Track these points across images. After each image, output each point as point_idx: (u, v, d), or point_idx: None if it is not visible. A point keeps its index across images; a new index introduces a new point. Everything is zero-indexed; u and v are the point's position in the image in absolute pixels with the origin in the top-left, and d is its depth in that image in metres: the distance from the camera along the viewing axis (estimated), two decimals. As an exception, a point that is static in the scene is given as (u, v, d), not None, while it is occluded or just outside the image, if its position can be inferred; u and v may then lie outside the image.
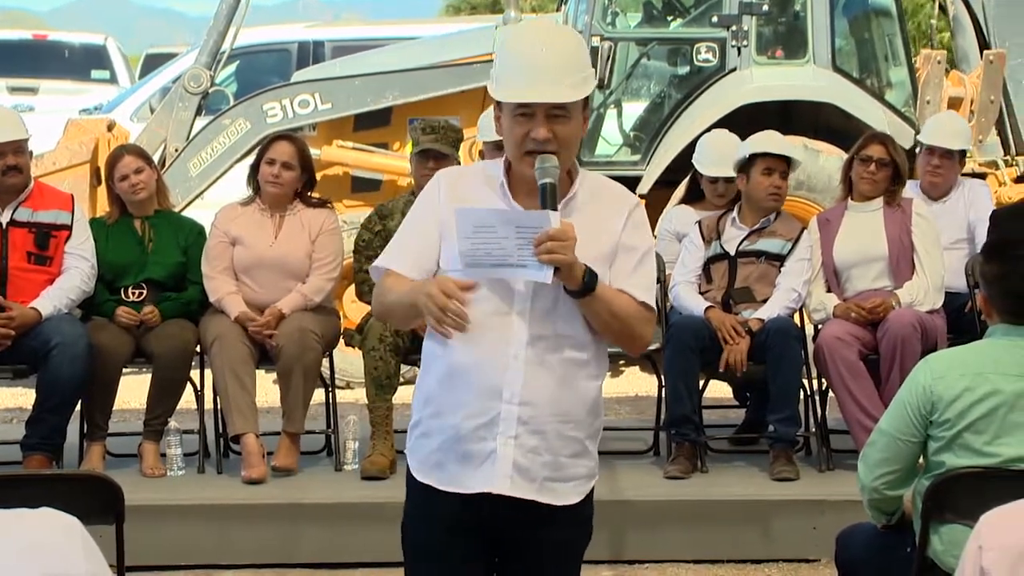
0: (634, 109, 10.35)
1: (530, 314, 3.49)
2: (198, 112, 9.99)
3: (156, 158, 9.04)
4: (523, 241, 3.38)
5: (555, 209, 3.42)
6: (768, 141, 7.04)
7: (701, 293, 6.97)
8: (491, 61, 3.80)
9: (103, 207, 8.07)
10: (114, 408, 6.95)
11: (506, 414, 3.48)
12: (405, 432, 3.72)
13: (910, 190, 7.57)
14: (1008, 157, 9.95)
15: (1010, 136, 10.06)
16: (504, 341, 3.48)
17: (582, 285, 3.44)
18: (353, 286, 7.40)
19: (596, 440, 3.65)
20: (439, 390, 3.56)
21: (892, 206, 7.00)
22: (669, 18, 10.60)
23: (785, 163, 7.01)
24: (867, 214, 7.00)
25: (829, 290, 7.00)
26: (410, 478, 3.65)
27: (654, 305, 3.61)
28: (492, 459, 3.50)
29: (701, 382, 7.03)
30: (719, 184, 7.40)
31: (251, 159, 7.39)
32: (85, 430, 6.88)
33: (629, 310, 3.53)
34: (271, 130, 9.03)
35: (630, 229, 3.58)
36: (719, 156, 7.42)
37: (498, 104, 3.56)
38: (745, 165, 7.00)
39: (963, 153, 7.59)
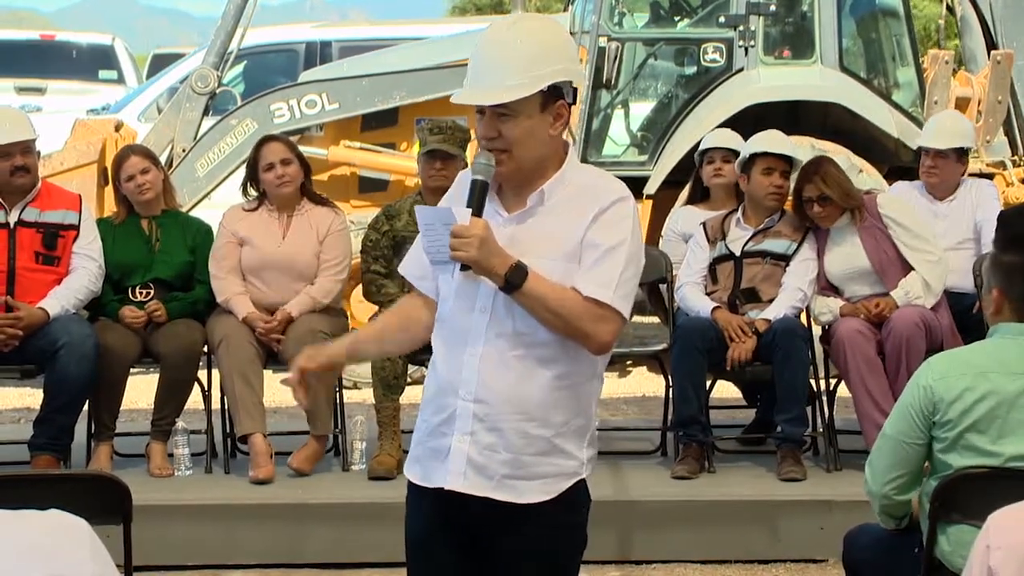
0: (641, 109, 10.35)
1: (492, 311, 3.45)
2: (205, 112, 10.00)
3: (163, 158, 9.05)
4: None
5: (479, 207, 3.42)
6: (767, 141, 7.02)
7: (707, 294, 6.97)
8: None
9: (110, 207, 8.07)
10: (121, 408, 6.96)
11: (462, 411, 3.46)
12: (412, 432, 3.73)
13: (913, 188, 7.54)
14: (1016, 157, 9.95)
15: (1017, 136, 10.05)
16: (464, 338, 3.47)
17: (503, 282, 3.39)
18: (360, 286, 7.40)
19: (579, 439, 3.52)
20: (426, 385, 3.60)
21: (861, 220, 6.84)
22: (676, 18, 10.60)
23: (786, 162, 6.99)
24: (843, 232, 6.87)
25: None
26: None
27: (613, 302, 3.41)
28: (448, 455, 3.48)
29: (708, 382, 7.03)
30: (716, 161, 7.36)
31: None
32: (92, 430, 6.88)
33: (570, 306, 3.40)
34: (278, 130, 9.03)
35: (597, 226, 3.44)
36: (716, 136, 7.56)
37: None
38: (746, 165, 7.00)
39: (962, 152, 7.37)
